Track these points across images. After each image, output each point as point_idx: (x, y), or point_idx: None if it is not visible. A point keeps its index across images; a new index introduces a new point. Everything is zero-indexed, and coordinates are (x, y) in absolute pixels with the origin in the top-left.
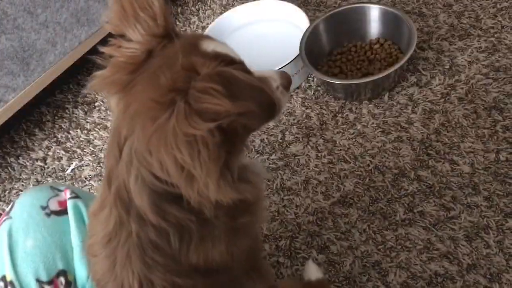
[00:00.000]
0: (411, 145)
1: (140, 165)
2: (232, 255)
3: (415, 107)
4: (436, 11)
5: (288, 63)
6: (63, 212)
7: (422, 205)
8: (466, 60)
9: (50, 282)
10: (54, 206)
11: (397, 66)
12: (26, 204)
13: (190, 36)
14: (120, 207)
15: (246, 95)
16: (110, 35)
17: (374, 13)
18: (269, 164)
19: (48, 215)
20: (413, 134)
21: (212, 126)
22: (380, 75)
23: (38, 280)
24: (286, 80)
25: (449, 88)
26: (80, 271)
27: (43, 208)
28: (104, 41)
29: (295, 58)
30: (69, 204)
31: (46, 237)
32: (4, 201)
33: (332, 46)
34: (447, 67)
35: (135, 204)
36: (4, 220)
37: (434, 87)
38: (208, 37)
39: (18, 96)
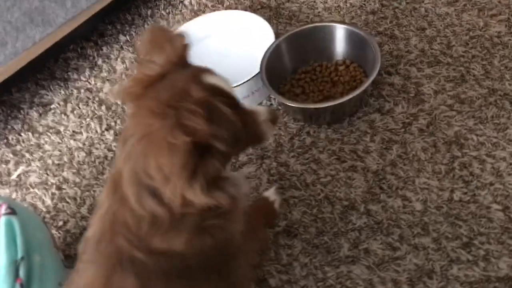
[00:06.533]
0: (365, 176)
1: (135, 160)
2: (192, 249)
3: (374, 135)
4: (408, 34)
5: (248, 80)
6: None
7: (368, 242)
8: (432, 88)
9: None
10: None
11: (357, 91)
12: None
13: (197, 68)
14: (111, 189)
15: (222, 124)
16: (69, 36)
17: (340, 33)
18: None
19: None
20: (368, 164)
21: (188, 139)
22: (340, 101)
23: None
24: (273, 116)
25: (411, 118)
26: None
27: None
28: (61, 43)
29: (255, 75)
30: (2, 221)
31: None
32: None
33: (297, 63)
34: (412, 94)
35: (122, 189)
36: None
37: (396, 115)
38: (211, 72)
39: None
